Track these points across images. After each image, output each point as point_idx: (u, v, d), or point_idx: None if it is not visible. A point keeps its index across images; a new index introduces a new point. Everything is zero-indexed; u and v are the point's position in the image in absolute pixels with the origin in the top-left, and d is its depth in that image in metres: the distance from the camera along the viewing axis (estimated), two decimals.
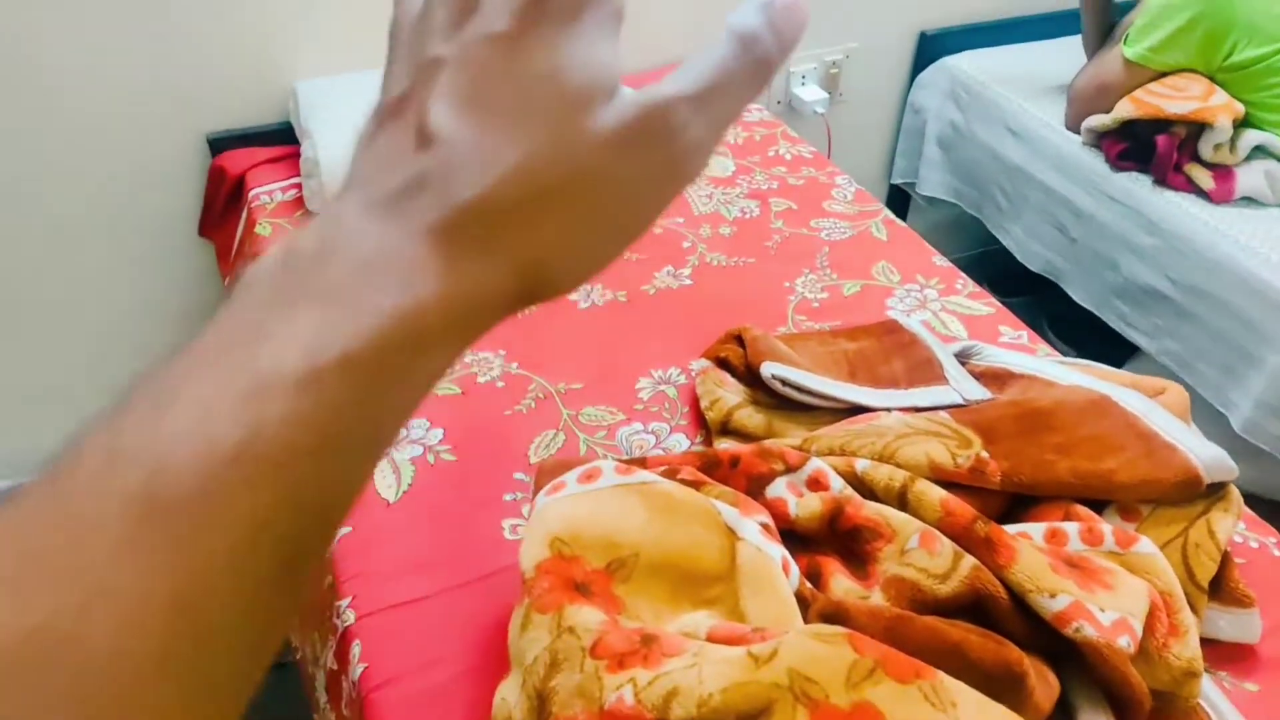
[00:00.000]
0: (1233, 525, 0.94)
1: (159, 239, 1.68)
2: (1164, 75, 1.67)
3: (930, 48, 2.04)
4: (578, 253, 0.29)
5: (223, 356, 0.24)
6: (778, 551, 0.73)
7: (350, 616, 0.89)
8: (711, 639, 0.65)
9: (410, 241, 0.26)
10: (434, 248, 0.26)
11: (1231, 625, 0.90)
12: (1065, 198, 1.78)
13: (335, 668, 0.91)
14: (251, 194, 1.53)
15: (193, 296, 1.75)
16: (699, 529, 0.74)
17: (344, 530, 0.97)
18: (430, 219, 0.26)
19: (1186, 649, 0.81)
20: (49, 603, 0.21)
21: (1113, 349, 1.84)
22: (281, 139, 1.61)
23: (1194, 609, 0.88)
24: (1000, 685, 0.66)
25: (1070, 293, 1.82)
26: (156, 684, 0.22)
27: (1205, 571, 0.89)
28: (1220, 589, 0.90)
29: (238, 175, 1.58)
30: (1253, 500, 1.05)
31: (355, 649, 0.87)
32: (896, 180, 2.21)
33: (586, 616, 0.66)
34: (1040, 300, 2.03)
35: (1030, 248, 1.89)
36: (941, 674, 0.61)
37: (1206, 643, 0.89)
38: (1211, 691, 0.85)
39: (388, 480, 1.02)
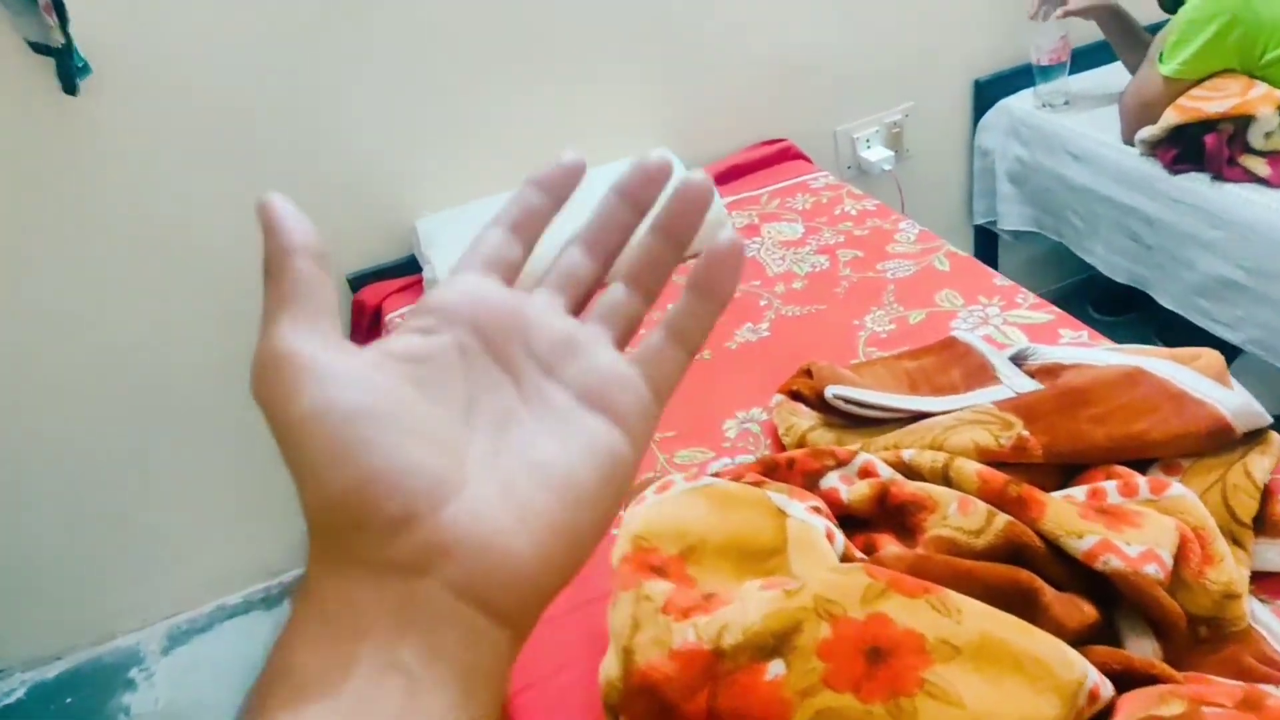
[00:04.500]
0: (1270, 465, 1.00)
1: None
2: (1203, 80, 1.75)
3: (986, 93, 2.17)
4: None
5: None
6: (821, 523, 0.87)
7: None
8: None
9: None
10: None
11: None
12: (1133, 207, 1.85)
13: None
14: (387, 318, 1.77)
15: None
16: (753, 514, 0.88)
17: None
18: None
19: (1222, 574, 0.88)
20: None
21: (1219, 350, 1.86)
22: (407, 270, 1.87)
23: (1241, 545, 0.95)
24: (1011, 600, 0.76)
25: (1156, 298, 1.88)
26: None
27: (1245, 509, 0.96)
28: (1265, 523, 0.97)
29: (375, 305, 1.83)
30: None
31: None
32: (979, 221, 2.31)
33: (661, 586, 0.80)
34: (1144, 315, 2.08)
35: (1113, 261, 1.96)
36: (949, 590, 0.73)
37: (1261, 576, 0.96)
38: (1265, 616, 0.92)
39: None
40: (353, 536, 0.29)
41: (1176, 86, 1.75)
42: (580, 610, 1.06)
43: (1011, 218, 2.19)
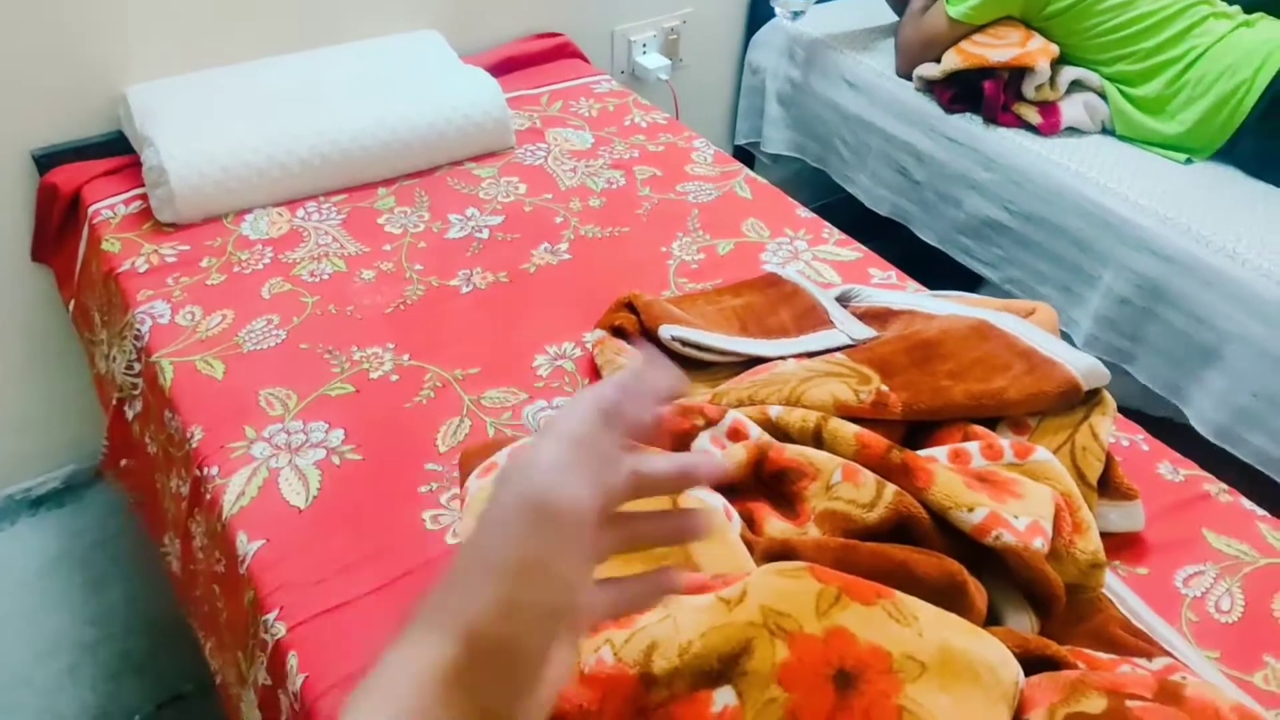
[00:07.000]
0: (1110, 426, 1.01)
1: None
2: (986, 26, 1.76)
3: (762, 7, 2.09)
4: None
5: None
6: (719, 501, 0.75)
7: (280, 629, 0.86)
8: None
9: None
10: None
11: (1121, 517, 0.97)
12: (905, 142, 1.86)
13: (269, 683, 0.88)
14: (91, 209, 1.43)
15: (32, 325, 1.64)
16: None
17: (258, 543, 0.93)
18: None
19: (1090, 543, 0.87)
20: None
21: (958, 286, 1.93)
22: (115, 149, 1.52)
23: (1089, 507, 0.94)
24: (946, 596, 0.70)
25: (917, 233, 1.91)
26: None
27: (1093, 471, 0.96)
28: (1108, 485, 0.97)
29: (72, 191, 1.47)
30: None
31: (292, 660, 0.84)
32: (740, 141, 2.26)
33: None
34: (883, 245, 2.11)
35: (877, 193, 1.97)
36: (899, 593, 0.64)
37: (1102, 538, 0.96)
38: (1111, 580, 0.92)
39: (295, 488, 0.99)
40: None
41: (961, 29, 1.76)
42: (391, 588, 0.89)
43: (775, 141, 2.15)
